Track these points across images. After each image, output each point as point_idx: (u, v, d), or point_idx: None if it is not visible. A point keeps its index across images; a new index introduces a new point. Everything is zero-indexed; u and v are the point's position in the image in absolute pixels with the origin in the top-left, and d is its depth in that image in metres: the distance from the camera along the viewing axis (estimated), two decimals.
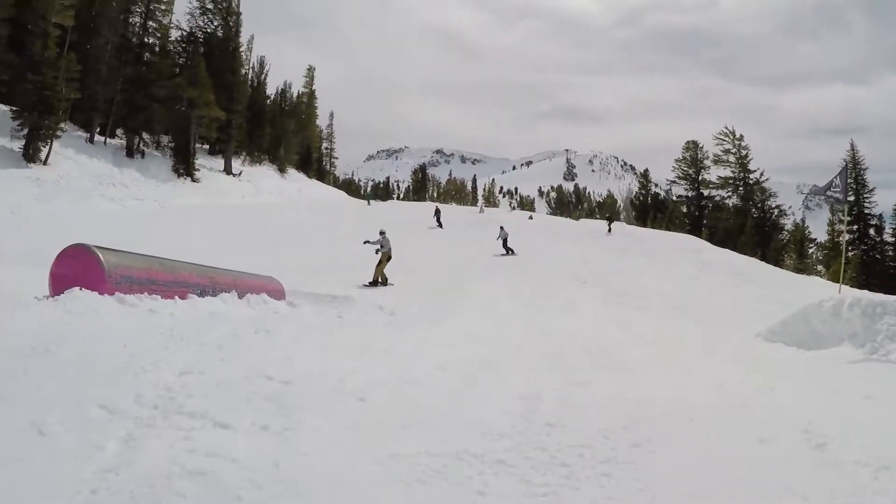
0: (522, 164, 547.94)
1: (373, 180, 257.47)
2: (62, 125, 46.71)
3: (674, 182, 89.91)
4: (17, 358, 5.51)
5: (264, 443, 4.58)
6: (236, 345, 7.18)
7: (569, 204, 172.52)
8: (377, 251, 21.75)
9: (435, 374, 7.18)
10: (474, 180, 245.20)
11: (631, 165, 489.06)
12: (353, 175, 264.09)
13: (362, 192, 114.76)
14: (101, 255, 8.62)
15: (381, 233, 22.55)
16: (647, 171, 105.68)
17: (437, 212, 54.70)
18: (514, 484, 4.37)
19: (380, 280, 21.23)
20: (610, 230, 48.64)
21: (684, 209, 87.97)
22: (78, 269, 8.49)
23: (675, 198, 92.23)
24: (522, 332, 13.29)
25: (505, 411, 5.85)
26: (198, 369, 5.99)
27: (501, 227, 37.13)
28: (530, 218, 70.17)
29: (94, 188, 45.35)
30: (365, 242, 22.56)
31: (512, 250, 34.15)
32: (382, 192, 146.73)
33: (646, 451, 5.09)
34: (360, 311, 13.77)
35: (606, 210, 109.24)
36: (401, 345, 9.04)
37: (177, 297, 9.68)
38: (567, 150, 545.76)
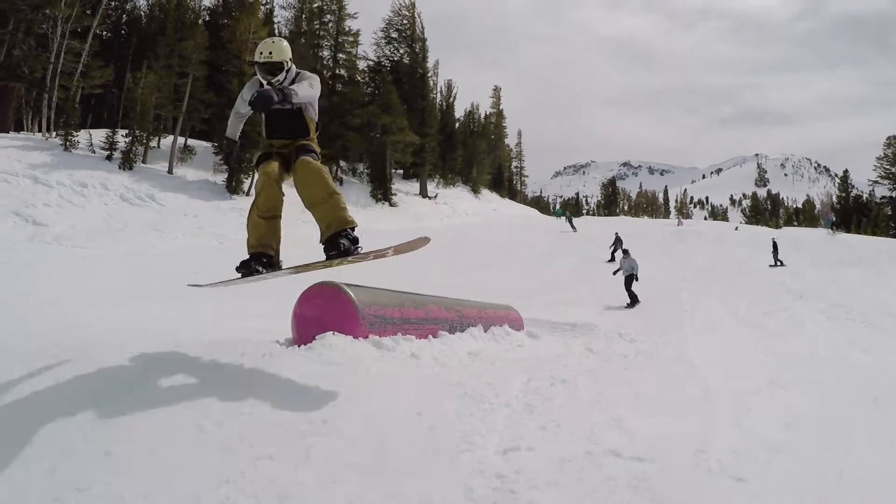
0: (712, 173, 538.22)
1: (561, 196, 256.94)
2: None
3: (876, 182, 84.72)
4: (296, 436, 4.28)
5: None
6: (543, 403, 5.69)
7: (765, 212, 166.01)
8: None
9: (785, 434, 5.59)
10: (665, 192, 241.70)
11: (825, 167, 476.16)
12: (541, 192, 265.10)
13: (552, 208, 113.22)
14: (353, 294, 7.53)
15: None
16: (846, 172, 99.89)
17: (618, 241, 35.80)
18: None
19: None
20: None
21: (889, 211, 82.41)
22: (327, 309, 7.40)
23: (878, 200, 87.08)
24: (762, 357, 12.08)
25: None
26: (524, 444, 4.50)
27: (626, 253, 24.28)
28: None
29: (296, 216, 45.39)
30: None
31: (635, 298, 22.47)
32: (573, 207, 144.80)
33: None
34: (605, 340, 12.61)
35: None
36: (690, 387, 7.56)
37: (430, 336, 8.63)
38: (757, 155, 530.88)
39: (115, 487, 3.57)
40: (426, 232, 29.47)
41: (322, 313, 7.49)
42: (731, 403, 6.87)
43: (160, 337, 7.13)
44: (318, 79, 6.96)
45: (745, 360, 11.57)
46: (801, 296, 24.40)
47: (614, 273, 24.74)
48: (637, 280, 22.82)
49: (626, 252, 24.44)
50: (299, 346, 6.84)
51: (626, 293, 22.61)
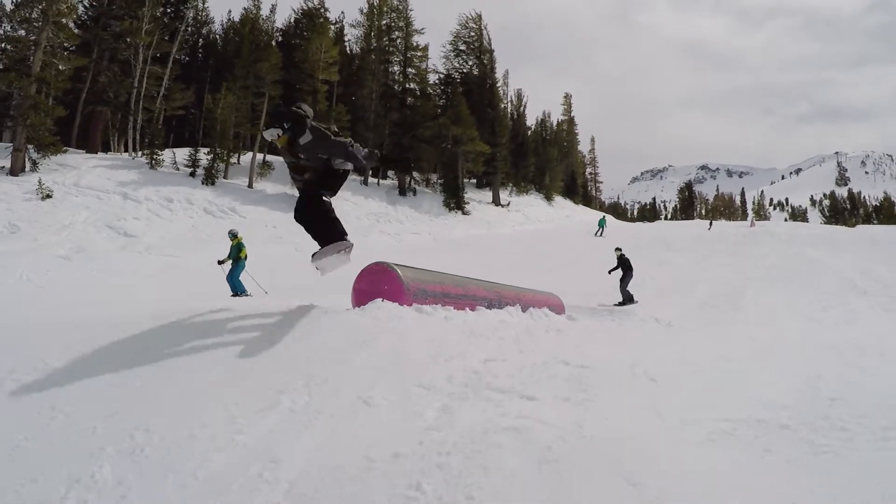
0: (791, 173, 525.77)
1: (638, 202, 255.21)
2: None
3: None
4: (339, 350, 6.10)
5: (567, 410, 4.90)
6: (532, 340, 7.57)
7: (843, 211, 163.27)
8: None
9: (717, 361, 7.10)
10: (742, 194, 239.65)
11: None
12: (618, 198, 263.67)
13: (628, 214, 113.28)
14: (399, 271, 9.18)
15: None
16: None
17: (622, 261, 23.65)
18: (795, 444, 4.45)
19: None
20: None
21: None
22: (378, 283, 9.03)
23: None
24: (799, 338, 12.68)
25: (790, 390, 5.75)
26: (500, 357, 6.35)
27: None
28: None
29: (372, 225, 48.08)
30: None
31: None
32: (649, 213, 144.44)
33: None
34: (639, 322, 13.83)
35: None
36: (681, 343, 9.02)
37: (467, 309, 9.99)
38: (837, 153, 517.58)
39: (147, 418, 4.65)
40: (497, 239, 30.47)
41: (375, 286, 9.10)
42: (692, 346, 8.44)
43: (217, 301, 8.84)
44: None
45: (766, 334, 12.09)
46: (866, 292, 24.50)
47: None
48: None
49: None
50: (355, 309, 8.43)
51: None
